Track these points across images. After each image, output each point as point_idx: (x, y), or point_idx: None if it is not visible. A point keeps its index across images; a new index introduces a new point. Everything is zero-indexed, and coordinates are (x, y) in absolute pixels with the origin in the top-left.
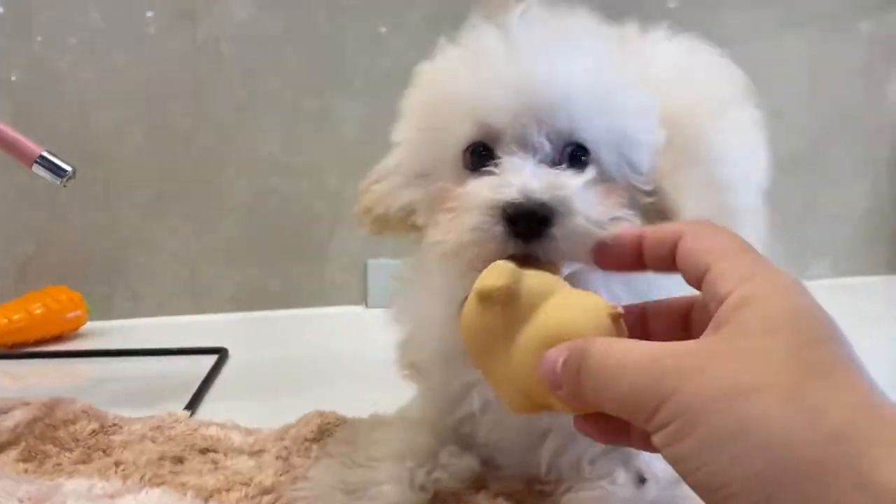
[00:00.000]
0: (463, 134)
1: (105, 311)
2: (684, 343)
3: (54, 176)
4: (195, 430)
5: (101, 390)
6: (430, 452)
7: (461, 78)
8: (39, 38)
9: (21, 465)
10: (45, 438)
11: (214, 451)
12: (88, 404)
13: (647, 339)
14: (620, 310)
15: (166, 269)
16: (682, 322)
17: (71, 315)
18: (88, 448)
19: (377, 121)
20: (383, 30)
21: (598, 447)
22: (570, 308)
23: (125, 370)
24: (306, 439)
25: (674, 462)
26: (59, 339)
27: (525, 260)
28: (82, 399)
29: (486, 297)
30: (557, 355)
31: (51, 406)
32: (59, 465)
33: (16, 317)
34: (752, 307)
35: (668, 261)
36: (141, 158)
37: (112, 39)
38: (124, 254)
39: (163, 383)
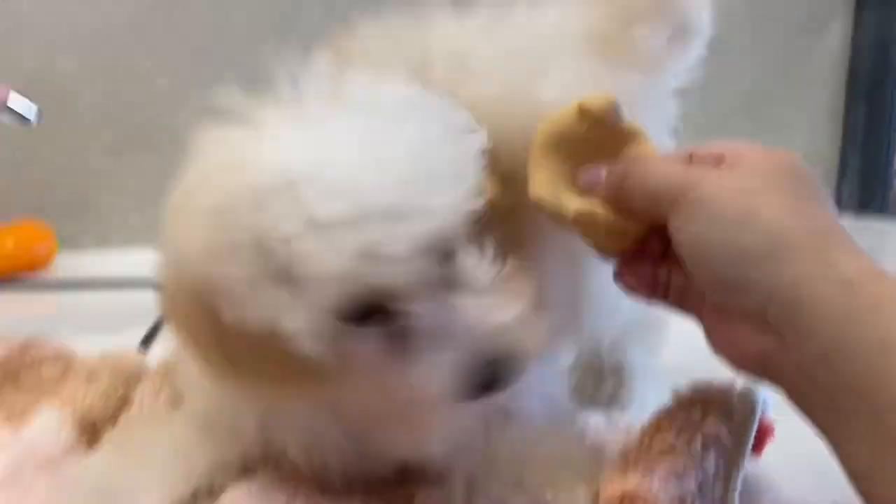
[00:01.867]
0: (328, 295)
1: (73, 245)
2: (707, 167)
3: (22, 121)
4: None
5: (68, 321)
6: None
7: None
8: None
9: None
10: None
11: None
12: (59, 346)
13: None
14: None
15: (132, 205)
16: None
17: (41, 248)
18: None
19: None
20: None
21: None
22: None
23: (92, 301)
24: None
25: (683, 242)
26: (29, 270)
27: None
28: (51, 327)
29: (585, 113)
30: (600, 168)
31: (24, 347)
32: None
33: None
34: (757, 159)
35: None
36: (104, 101)
37: None
38: (93, 190)
39: (125, 313)
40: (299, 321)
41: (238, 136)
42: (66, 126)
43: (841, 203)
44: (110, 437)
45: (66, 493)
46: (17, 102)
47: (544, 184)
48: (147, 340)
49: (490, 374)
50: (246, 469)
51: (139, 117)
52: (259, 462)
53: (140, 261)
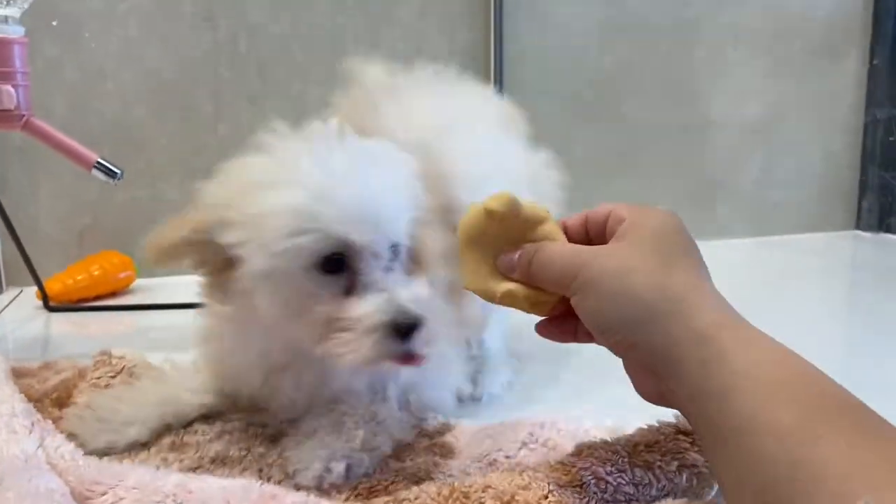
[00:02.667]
0: (319, 243)
1: (149, 271)
2: (596, 246)
3: (108, 177)
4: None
5: (146, 337)
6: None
7: (308, 196)
8: (89, 45)
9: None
10: (73, 393)
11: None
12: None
13: (588, 241)
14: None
15: None
16: (603, 229)
17: (122, 275)
18: None
19: None
20: (375, 27)
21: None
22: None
23: (166, 320)
24: None
25: (581, 314)
26: (113, 294)
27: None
28: (129, 343)
29: (490, 213)
30: (514, 253)
31: (83, 370)
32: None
33: (78, 277)
34: (636, 227)
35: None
36: (174, 143)
37: (146, 44)
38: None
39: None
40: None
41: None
42: (142, 167)
43: (860, 220)
44: (117, 384)
45: (73, 420)
46: (106, 164)
47: (471, 274)
48: None
49: (404, 322)
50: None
51: (203, 160)
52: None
53: None
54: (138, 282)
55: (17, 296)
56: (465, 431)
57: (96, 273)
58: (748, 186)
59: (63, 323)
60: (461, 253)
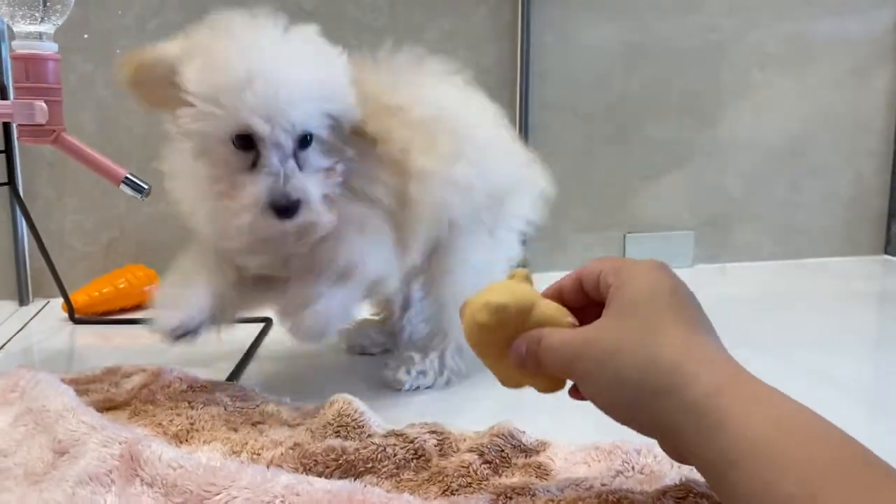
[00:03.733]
0: (229, 123)
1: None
2: (588, 327)
3: (136, 192)
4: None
5: (169, 351)
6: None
7: (226, 75)
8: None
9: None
10: (146, 401)
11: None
12: (183, 372)
13: (586, 299)
14: (570, 317)
15: None
16: (597, 287)
17: (147, 288)
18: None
19: None
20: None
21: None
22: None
23: None
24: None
25: (585, 393)
26: (138, 307)
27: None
28: (150, 358)
29: (483, 327)
30: (520, 343)
31: (156, 374)
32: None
33: (105, 290)
34: (622, 295)
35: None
36: None
37: None
38: (190, 238)
39: (216, 347)
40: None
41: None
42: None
43: (889, 244)
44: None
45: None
46: (135, 179)
47: (501, 374)
48: (233, 376)
49: (281, 204)
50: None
51: None
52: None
53: None
54: None
55: (43, 307)
56: (560, 451)
57: (122, 286)
58: (774, 209)
59: (88, 335)
60: (482, 359)
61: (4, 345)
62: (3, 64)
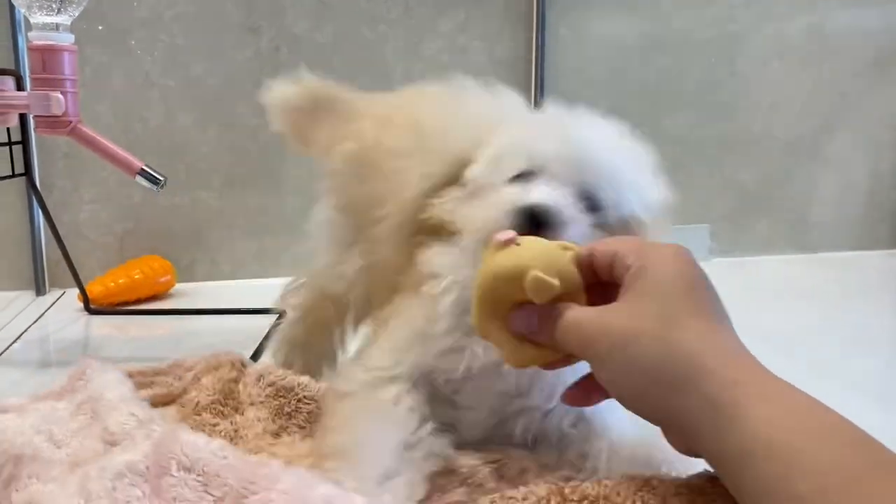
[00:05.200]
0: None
1: (189, 276)
2: (605, 308)
3: (151, 184)
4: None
5: (185, 342)
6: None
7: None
8: (136, 53)
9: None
10: (217, 391)
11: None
12: (239, 357)
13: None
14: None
15: (238, 241)
16: (609, 270)
17: (162, 279)
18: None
19: None
20: (417, 38)
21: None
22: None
23: (205, 325)
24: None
25: (602, 383)
26: (153, 298)
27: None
28: (164, 349)
29: (544, 288)
30: (531, 311)
31: (215, 364)
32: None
33: (120, 280)
34: (641, 278)
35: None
36: (216, 150)
37: (191, 51)
38: (204, 229)
39: (233, 336)
40: None
41: None
42: (183, 174)
43: None
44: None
45: None
46: (150, 171)
47: (509, 343)
48: (255, 355)
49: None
50: None
51: (244, 165)
52: None
53: (245, 290)
54: (178, 286)
55: (59, 298)
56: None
57: (137, 277)
58: (791, 203)
59: (103, 326)
60: (487, 328)
61: (21, 335)
62: (20, 54)
